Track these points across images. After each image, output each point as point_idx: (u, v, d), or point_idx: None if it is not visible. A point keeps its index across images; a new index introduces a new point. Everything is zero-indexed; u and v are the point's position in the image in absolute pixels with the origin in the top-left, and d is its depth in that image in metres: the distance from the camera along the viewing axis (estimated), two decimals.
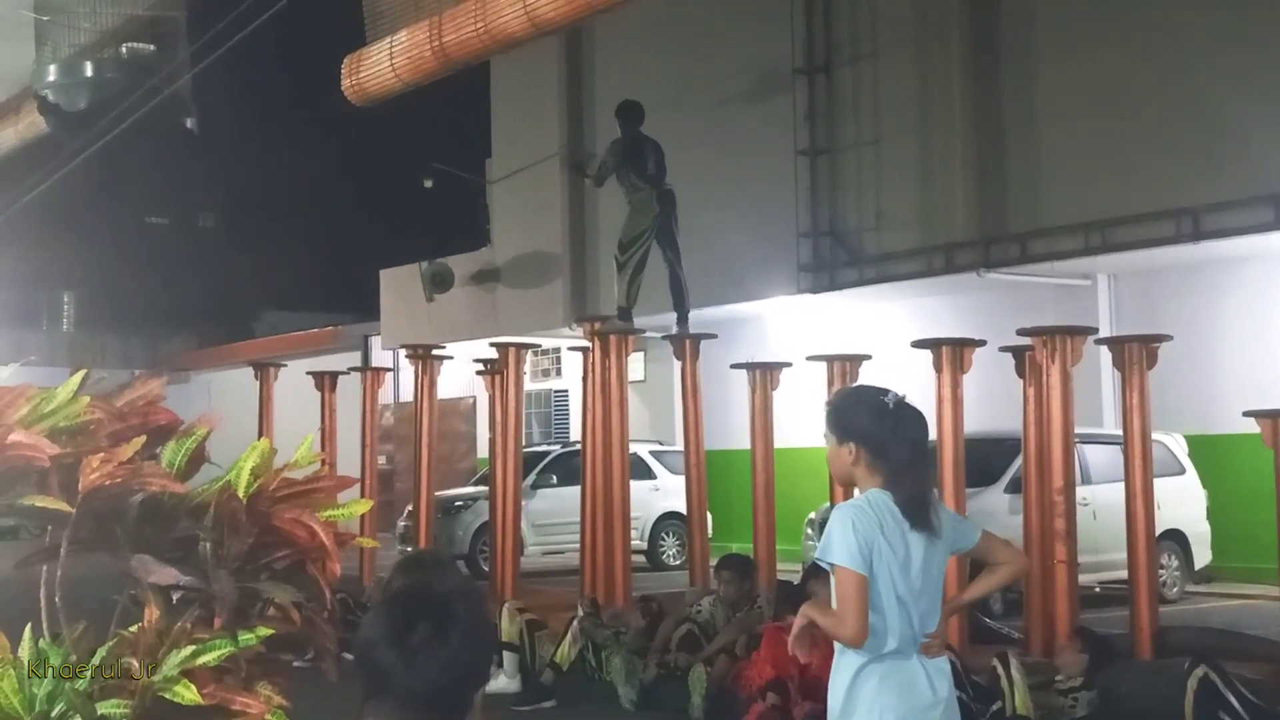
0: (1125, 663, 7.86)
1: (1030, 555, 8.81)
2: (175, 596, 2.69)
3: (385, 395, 17.77)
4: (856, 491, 3.28)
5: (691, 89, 16.28)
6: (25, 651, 2.62)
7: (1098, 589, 11.14)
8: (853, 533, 3.09)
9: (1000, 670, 6.66)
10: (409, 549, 13.97)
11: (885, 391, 3.28)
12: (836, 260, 15.32)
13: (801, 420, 12.85)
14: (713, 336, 11.61)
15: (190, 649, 2.55)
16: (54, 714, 2.54)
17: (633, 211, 11.48)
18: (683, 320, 11.56)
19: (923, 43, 14.78)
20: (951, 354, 8.87)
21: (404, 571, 3.51)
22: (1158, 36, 12.82)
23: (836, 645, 3.18)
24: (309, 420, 10.81)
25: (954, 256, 14.24)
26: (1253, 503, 11.29)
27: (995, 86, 14.07)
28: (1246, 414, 8.82)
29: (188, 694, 2.52)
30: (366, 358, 22.39)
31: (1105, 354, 10.36)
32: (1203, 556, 12.37)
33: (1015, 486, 10.19)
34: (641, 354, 17.30)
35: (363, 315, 23.79)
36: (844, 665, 3.14)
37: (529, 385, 16.90)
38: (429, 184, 22.01)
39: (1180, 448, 12.40)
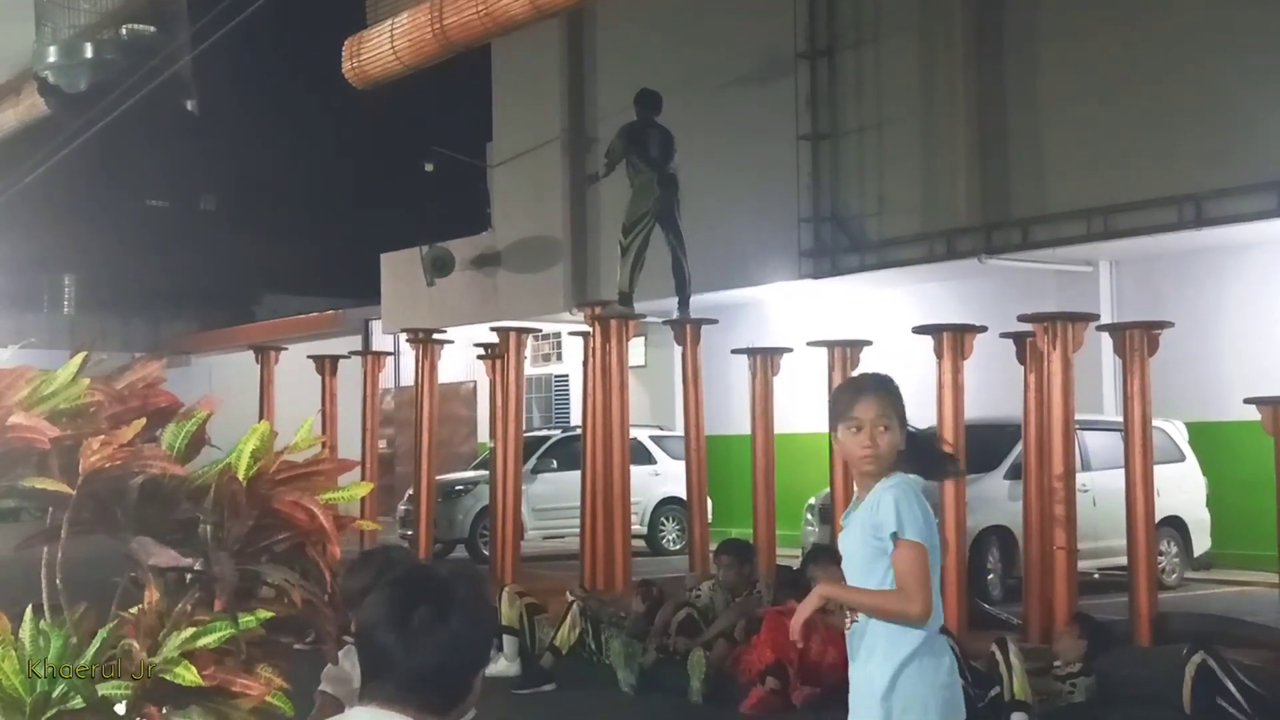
0: (1124, 649, 7.88)
1: (1030, 541, 8.83)
2: (175, 578, 2.69)
3: (386, 379, 17.78)
4: (882, 476, 3.25)
5: (693, 73, 16.24)
6: (26, 633, 2.63)
7: (1097, 575, 11.16)
8: (919, 508, 3.13)
9: (999, 656, 6.68)
10: (410, 532, 14.01)
11: None
12: (838, 246, 15.31)
13: (802, 406, 12.86)
14: (714, 322, 11.61)
15: (190, 631, 2.56)
16: (55, 695, 2.55)
17: (634, 194, 11.51)
18: (684, 305, 11.57)
19: (925, 27, 14.74)
20: (953, 340, 8.87)
21: (356, 573, 3.47)
22: (1161, 22, 12.79)
23: (876, 624, 3.16)
24: (309, 404, 10.82)
25: (956, 242, 14.23)
26: (1252, 490, 11.30)
27: (998, 72, 14.04)
28: (1247, 401, 8.83)
29: (188, 675, 2.52)
30: (367, 342, 22.39)
31: (1106, 340, 10.36)
32: (1202, 543, 12.38)
33: (1015, 472, 10.20)
34: (642, 339, 17.29)
35: (363, 299, 23.78)
36: (892, 642, 3.13)
37: (529, 370, 16.90)
38: (430, 168, 21.98)
39: (1180, 435, 12.40)
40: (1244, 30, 12.18)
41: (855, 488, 3.36)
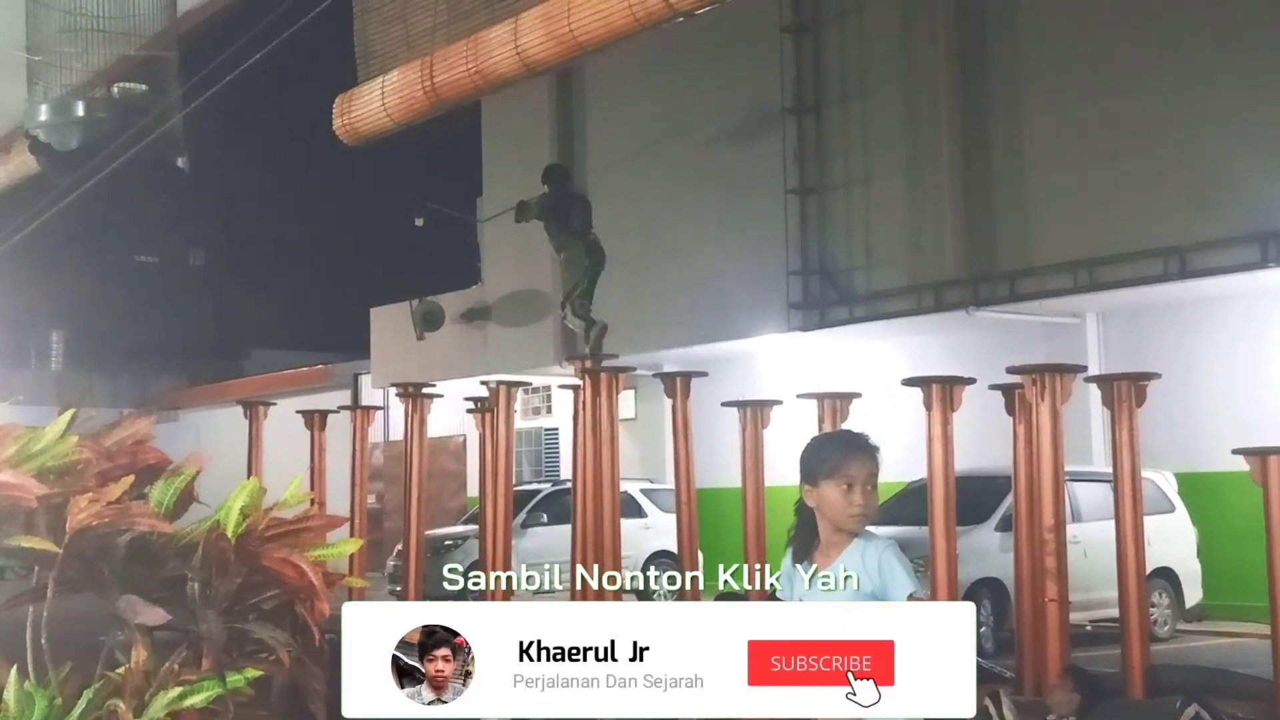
0: (1117, 701, 7.83)
1: (1022, 593, 8.80)
2: (162, 637, 2.67)
3: (375, 434, 17.74)
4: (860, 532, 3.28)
5: (682, 128, 16.38)
6: (11, 694, 2.60)
7: (1089, 627, 11.11)
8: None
9: (992, 709, 6.63)
10: (399, 588, 13.91)
11: None
12: (826, 298, 15.37)
13: (793, 458, 12.83)
14: (703, 374, 11.61)
15: (177, 690, 2.54)
16: None
17: (565, 264, 12.50)
18: (595, 354, 12.51)
19: (911, 82, 14.91)
20: (941, 392, 8.89)
21: None
22: (1145, 76, 12.95)
23: None
24: (298, 459, 10.77)
25: (943, 294, 14.30)
26: (1243, 540, 11.29)
27: (983, 125, 14.18)
28: (1235, 451, 8.83)
29: None
30: (356, 396, 22.34)
31: (1094, 392, 10.41)
32: (1193, 595, 12.35)
33: (1006, 524, 10.18)
34: (632, 392, 17.30)
35: (353, 354, 23.76)
36: None
37: (519, 423, 16.88)
38: (420, 222, 22.08)
39: (1170, 485, 12.40)
40: (1226, 84, 12.34)
41: (820, 544, 3.34)
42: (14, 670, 2.64)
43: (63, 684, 2.62)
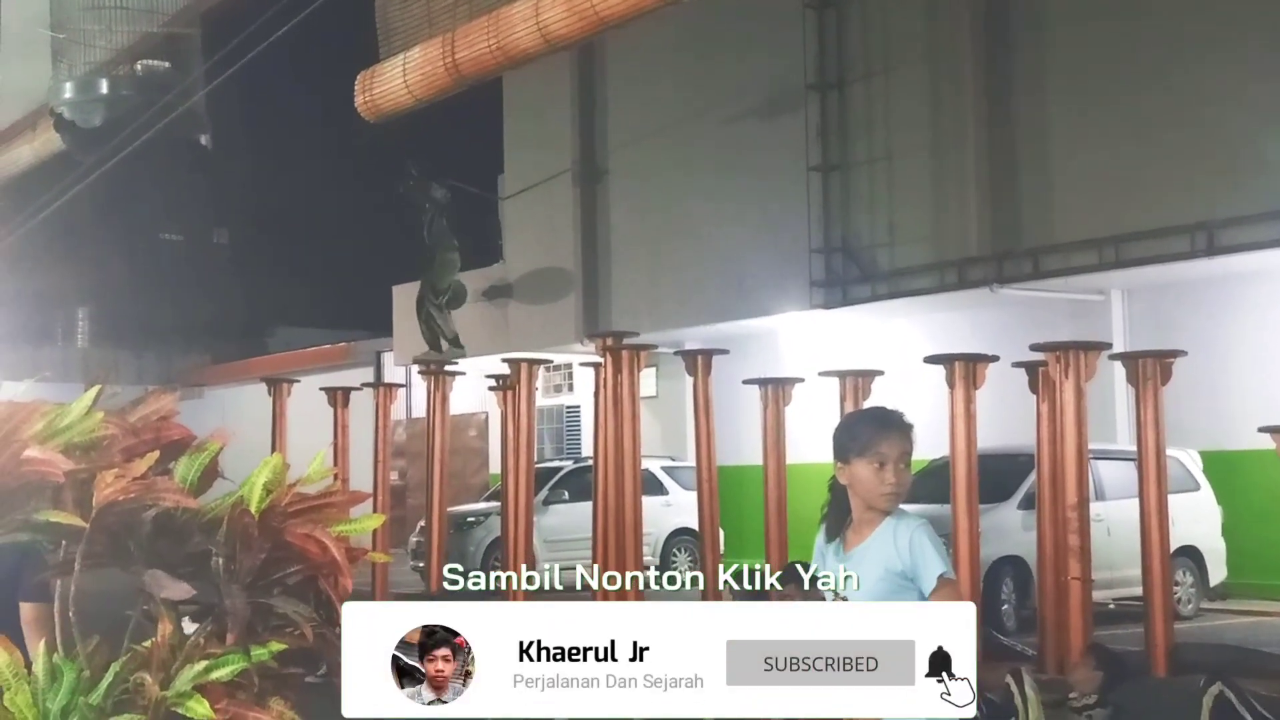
0: (1140, 680, 7.82)
1: (1045, 572, 8.79)
2: (187, 611, 2.69)
3: (398, 411, 17.79)
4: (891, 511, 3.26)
5: (704, 104, 16.32)
6: (40, 667, 2.63)
7: (1112, 606, 11.09)
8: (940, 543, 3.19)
9: (1014, 687, 6.63)
10: (421, 564, 13.99)
11: None
12: (849, 276, 15.32)
13: (814, 435, 12.83)
14: (725, 352, 11.62)
15: (203, 664, 2.56)
16: None
17: (444, 265, 14.43)
18: (455, 344, 13.81)
19: (935, 58, 14.80)
20: (965, 369, 8.86)
21: None
22: (1170, 51, 12.82)
23: None
24: (322, 436, 10.82)
25: (967, 272, 14.23)
26: (1268, 519, 11.24)
27: (1008, 102, 14.08)
28: (1262, 429, 8.78)
29: (200, 709, 2.53)
30: (379, 374, 22.42)
31: (1119, 369, 10.35)
32: (1218, 573, 12.29)
33: (1029, 502, 10.16)
34: (654, 369, 17.30)
35: (375, 331, 23.84)
36: None
37: (541, 401, 16.91)
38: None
39: (1195, 463, 12.34)
40: (1252, 60, 12.21)
41: (852, 522, 3.33)
42: (42, 643, 2.67)
43: (90, 657, 2.65)
